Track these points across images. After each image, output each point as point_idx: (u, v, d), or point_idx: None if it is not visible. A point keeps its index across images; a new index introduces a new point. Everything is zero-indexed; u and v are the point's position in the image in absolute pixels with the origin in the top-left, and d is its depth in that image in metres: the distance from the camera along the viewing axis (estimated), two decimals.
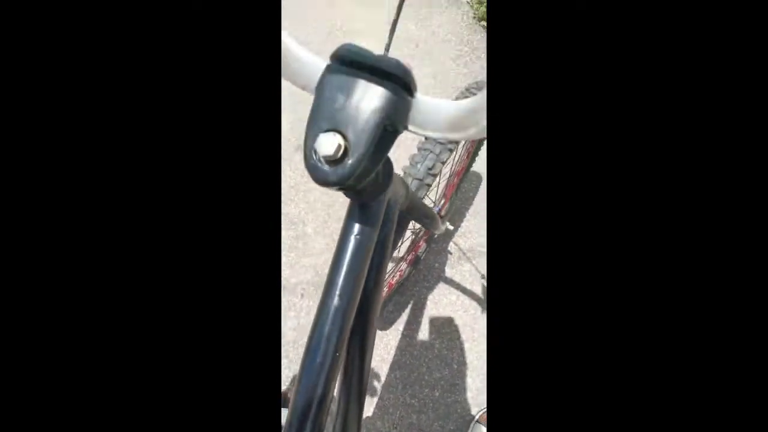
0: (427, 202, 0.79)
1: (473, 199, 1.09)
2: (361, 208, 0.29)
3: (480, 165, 1.10)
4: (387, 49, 0.32)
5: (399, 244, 0.54)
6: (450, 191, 0.96)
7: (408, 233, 0.92)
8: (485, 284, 1.02)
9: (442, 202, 0.93)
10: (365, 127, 0.21)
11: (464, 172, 0.96)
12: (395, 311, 0.99)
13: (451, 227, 0.97)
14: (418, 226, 0.91)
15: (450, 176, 0.93)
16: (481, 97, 0.19)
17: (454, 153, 0.81)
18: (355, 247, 0.28)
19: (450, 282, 1.02)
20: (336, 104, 0.21)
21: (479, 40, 1.31)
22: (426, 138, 0.53)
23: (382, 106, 0.21)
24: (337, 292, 0.29)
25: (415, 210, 0.47)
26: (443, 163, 0.52)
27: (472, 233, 1.05)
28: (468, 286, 1.01)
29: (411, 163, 0.52)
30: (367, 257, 0.30)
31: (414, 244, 0.98)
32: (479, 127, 0.20)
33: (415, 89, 0.22)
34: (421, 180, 0.50)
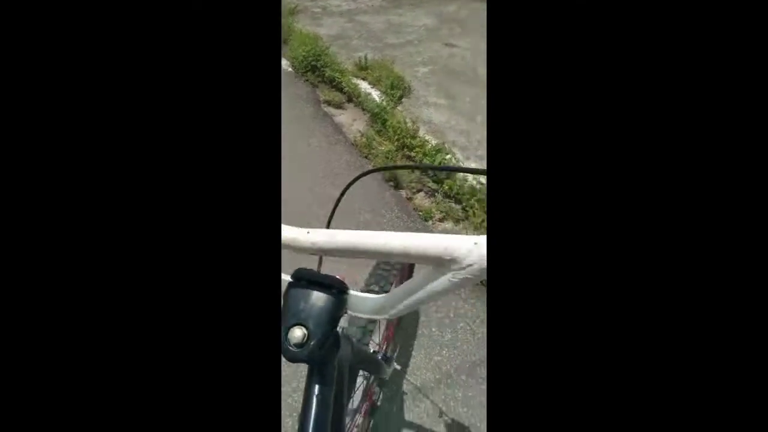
0: (372, 346, 0.85)
1: (415, 336, 1.15)
2: (319, 371, 0.36)
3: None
4: (328, 223, 0.45)
5: (351, 395, 0.57)
6: (391, 332, 1.03)
7: (359, 380, 0.93)
8: (447, 420, 1.00)
9: (385, 345, 0.98)
10: (319, 320, 0.33)
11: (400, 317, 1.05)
12: None
13: (398, 367, 1.00)
14: (365, 373, 0.93)
15: (388, 320, 1.01)
16: (391, 294, 0.31)
17: None
18: (318, 404, 0.34)
19: (410, 427, 0.98)
20: (299, 306, 0.33)
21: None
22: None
23: (327, 305, 0.33)
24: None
25: (362, 360, 0.54)
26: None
27: (420, 369, 1.08)
28: (430, 427, 0.98)
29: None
30: (329, 412, 0.35)
31: (366, 393, 0.97)
32: (395, 311, 0.32)
33: (347, 290, 0.35)
34: (364, 328, 0.58)
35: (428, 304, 1.21)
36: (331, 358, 0.36)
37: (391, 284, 0.64)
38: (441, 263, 0.28)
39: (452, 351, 1.12)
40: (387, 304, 0.34)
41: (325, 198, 1.57)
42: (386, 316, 0.35)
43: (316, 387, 0.35)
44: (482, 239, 0.26)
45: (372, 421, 0.97)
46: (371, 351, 0.66)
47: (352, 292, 0.36)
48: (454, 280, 0.28)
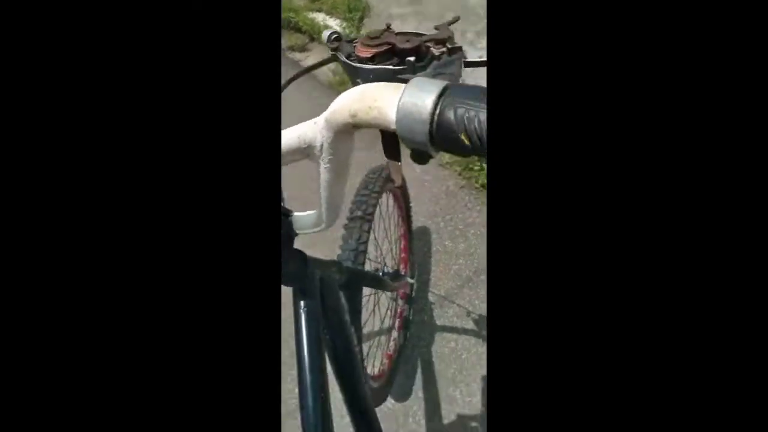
0: (389, 267, 0.91)
1: (430, 253, 1.21)
2: (300, 290, 0.39)
3: (427, 222, 1.25)
4: None
5: (361, 309, 0.63)
6: (405, 252, 1.08)
7: (387, 302, 1.00)
8: (475, 317, 1.08)
9: (401, 264, 1.04)
10: None
11: (409, 233, 1.10)
12: (407, 380, 1.02)
13: (411, 280, 1.07)
14: (393, 294, 1.00)
15: (397, 241, 1.06)
16: (318, 207, 0.35)
17: (387, 222, 0.96)
18: (306, 317, 0.37)
19: (444, 330, 1.08)
20: None
21: None
22: (347, 220, 0.67)
23: None
24: (307, 364, 0.36)
25: (359, 278, 0.59)
26: (367, 231, 0.65)
27: (442, 279, 1.15)
28: (461, 326, 1.07)
29: (342, 239, 0.65)
30: (317, 323, 0.38)
31: (396, 311, 1.05)
32: (326, 217, 0.37)
33: (291, 213, 0.39)
34: (355, 249, 0.62)
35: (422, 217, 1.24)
36: (301, 276, 0.39)
37: (374, 206, 0.67)
38: (306, 153, 0.28)
39: (468, 258, 1.17)
40: (318, 216, 0.38)
41: None
42: (323, 226, 0.38)
43: (301, 303, 0.38)
44: (321, 117, 0.26)
45: (407, 333, 1.06)
46: (374, 270, 0.71)
47: (296, 213, 0.39)
48: (326, 165, 0.29)
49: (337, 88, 1.80)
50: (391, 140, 0.29)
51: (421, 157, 0.24)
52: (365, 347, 0.96)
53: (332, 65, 0.40)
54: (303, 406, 0.34)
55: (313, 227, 0.39)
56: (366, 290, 0.82)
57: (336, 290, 0.44)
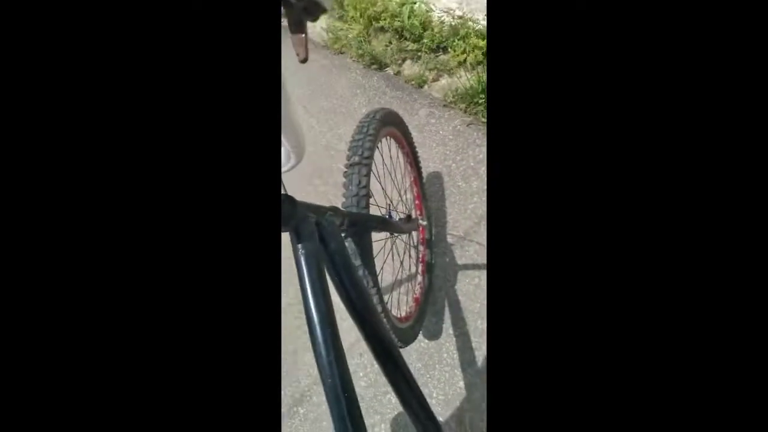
0: (403, 213, 0.91)
1: (444, 195, 1.20)
2: (298, 236, 0.40)
3: (438, 165, 1.23)
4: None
5: (372, 252, 0.64)
6: (419, 197, 1.08)
7: (406, 249, 1.02)
8: None
9: (415, 209, 1.05)
10: None
11: (419, 178, 1.09)
12: (437, 321, 1.06)
13: (423, 222, 1.07)
14: (407, 238, 1.02)
15: (409, 186, 1.05)
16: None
17: (395, 169, 0.95)
18: (305, 257, 0.39)
19: (466, 268, 1.09)
20: None
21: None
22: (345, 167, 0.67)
23: None
24: (312, 303, 0.37)
25: (363, 221, 0.59)
26: (366, 175, 0.65)
27: (459, 220, 1.15)
28: (482, 262, 1.08)
29: (344, 187, 0.65)
30: (320, 263, 0.40)
31: (418, 256, 1.07)
32: (292, 152, 0.37)
33: None
34: (357, 194, 0.62)
35: (433, 157, 1.22)
36: (291, 218, 0.39)
37: (370, 149, 0.67)
38: None
39: (482, 195, 1.15)
40: (286, 154, 0.39)
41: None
42: (293, 162, 0.38)
43: (298, 246, 0.39)
44: None
45: (431, 277, 1.08)
46: (378, 215, 0.72)
47: None
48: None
49: (332, 47, 1.74)
50: (294, 15, 0.32)
51: (311, 12, 0.26)
52: (393, 293, 1.00)
53: (323, 22, 0.42)
54: (314, 342, 0.36)
55: (284, 167, 0.40)
56: (381, 237, 0.83)
57: (337, 233, 0.45)
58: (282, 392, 1.14)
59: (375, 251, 0.65)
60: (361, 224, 0.60)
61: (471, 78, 1.26)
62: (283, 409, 1.12)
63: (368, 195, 0.64)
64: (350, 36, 1.70)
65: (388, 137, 0.89)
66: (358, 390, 1.07)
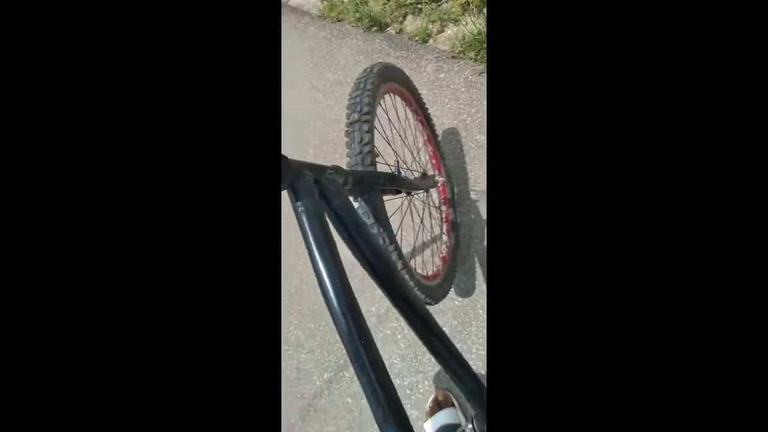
0: (423, 171, 0.89)
1: (463, 151, 1.16)
2: (295, 194, 0.39)
3: (453, 121, 1.19)
4: None
5: (384, 210, 0.62)
6: (435, 156, 1.05)
7: (426, 208, 1.00)
8: None
9: (432, 168, 1.02)
10: None
11: (433, 137, 1.05)
12: (468, 279, 1.05)
13: (440, 179, 1.04)
14: (426, 198, 1.00)
15: (423, 146, 1.02)
16: None
17: (405, 130, 0.92)
18: (306, 213, 0.38)
19: None
20: None
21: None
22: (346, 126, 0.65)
23: None
24: (319, 259, 0.36)
25: (371, 179, 0.58)
26: (368, 131, 0.62)
27: (479, 176, 1.11)
28: None
29: (347, 146, 0.63)
30: (321, 217, 0.38)
31: (441, 216, 1.05)
32: None
33: None
34: (360, 152, 0.60)
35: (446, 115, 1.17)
36: (286, 173, 0.38)
37: (369, 105, 0.64)
38: None
39: None
40: None
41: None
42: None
43: (297, 203, 0.38)
44: None
45: (457, 235, 1.06)
46: (387, 171, 0.70)
47: None
48: None
49: (328, 16, 1.68)
50: None
51: None
52: (418, 252, 0.99)
53: None
54: (325, 294, 0.36)
55: None
56: (398, 197, 0.81)
57: (340, 191, 0.44)
58: (327, 357, 1.19)
59: (392, 211, 0.63)
60: (368, 182, 0.58)
61: (477, 22, 1.18)
62: (330, 374, 1.17)
63: (373, 152, 0.62)
64: (346, 0, 1.62)
65: (392, 94, 0.85)
66: (397, 351, 1.09)
